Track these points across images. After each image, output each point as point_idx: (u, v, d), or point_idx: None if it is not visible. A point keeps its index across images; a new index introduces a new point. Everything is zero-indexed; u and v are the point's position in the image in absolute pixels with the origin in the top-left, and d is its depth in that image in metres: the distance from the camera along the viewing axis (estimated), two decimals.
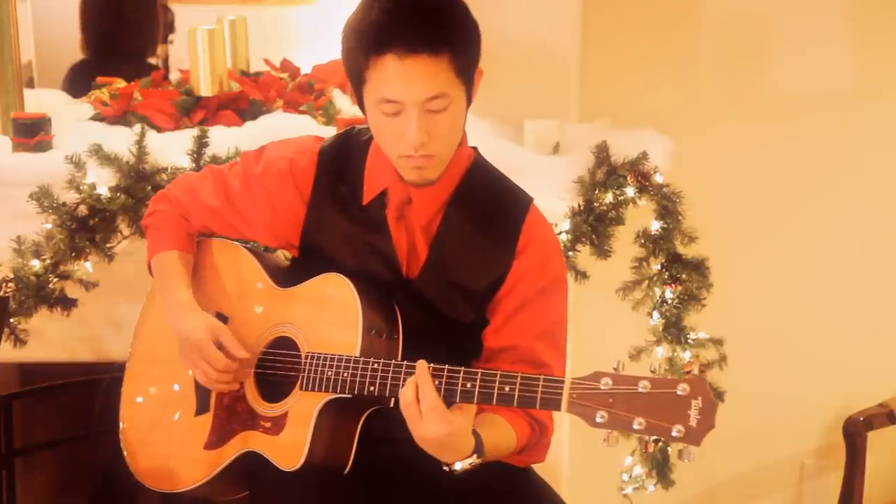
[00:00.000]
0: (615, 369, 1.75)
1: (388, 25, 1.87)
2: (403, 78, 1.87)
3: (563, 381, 1.77)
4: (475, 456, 1.85)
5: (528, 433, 2.01)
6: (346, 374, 1.93)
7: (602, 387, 1.73)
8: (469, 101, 1.97)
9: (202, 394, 2.13)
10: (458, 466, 1.85)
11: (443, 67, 1.88)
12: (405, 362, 1.90)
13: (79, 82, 3.21)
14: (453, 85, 1.90)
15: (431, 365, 1.84)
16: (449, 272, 2.04)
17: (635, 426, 1.70)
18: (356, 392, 1.92)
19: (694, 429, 1.68)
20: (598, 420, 1.72)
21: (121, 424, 2.25)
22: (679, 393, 1.69)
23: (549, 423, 2.05)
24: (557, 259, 2.10)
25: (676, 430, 1.68)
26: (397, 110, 1.90)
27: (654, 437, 1.73)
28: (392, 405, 1.91)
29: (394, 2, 1.89)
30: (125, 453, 2.23)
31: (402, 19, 1.87)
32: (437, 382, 1.82)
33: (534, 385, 1.79)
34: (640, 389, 1.71)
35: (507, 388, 1.80)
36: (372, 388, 1.91)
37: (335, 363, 1.95)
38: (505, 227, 2.05)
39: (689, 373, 1.74)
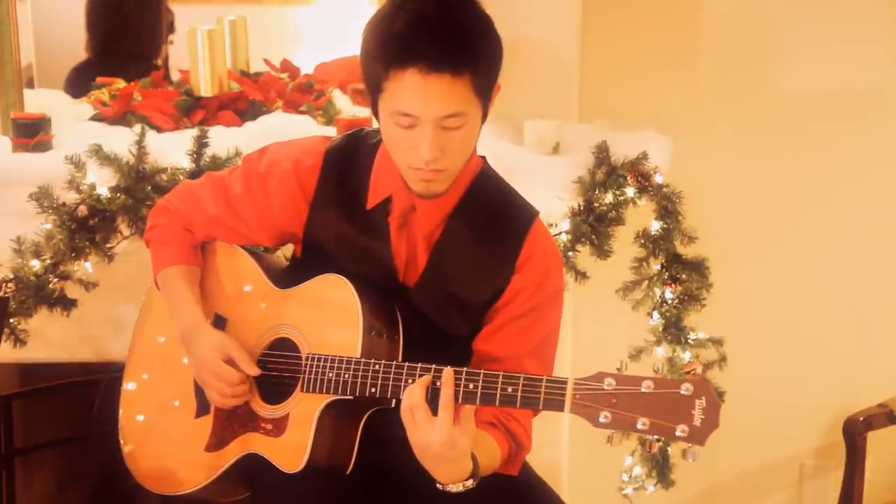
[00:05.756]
0: (618, 369, 1.74)
1: (412, 39, 1.82)
2: (423, 94, 1.83)
3: (566, 382, 1.76)
4: (472, 480, 1.84)
5: (507, 450, 2.00)
6: (347, 376, 1.93)
7: (605, 387, 1.72)
8: (485, 118, 1.94)
9: (202, 395, 2.11)
10: (451, 488, 1.84)
11: (463, 86, 1.84)
12: (406, 363, 1.89)
13: (80, 82, 3.20)
14: (471, 103, 1.87)
15: (433, 366, 1.84)
16: (447, 283, 2.03)
17: (639, 426, 1.70)
18: (357, 394, 1.92)
19: (698, 428, 1.67)
20: (602, 420, 1.72)
21: (119, 425, 2.24)
22: (683, 393, 1.68)
23: (528, 441, 2.04)
24: (556, 274, 2.08)
25: (680, 430, 1.68)
26: (412, 124, 1.87)
27: (658, 437, 1.72)
28: (393, 406, 1.90)
29: (419, 13, 1.83)
30: (124, 455, 2.22)
31: (427, 34, 1.82)
32: (438, 383, 1.82)
33: (537, 386, 1.78)
34: (643, 389, 1.70)
35: (509, 389, 1.80)
36: (373, 390, 1.90)
37: (336, 365, 1.94)
38: (506, 242, 2.03)
39: (689, 372, 1.74)
